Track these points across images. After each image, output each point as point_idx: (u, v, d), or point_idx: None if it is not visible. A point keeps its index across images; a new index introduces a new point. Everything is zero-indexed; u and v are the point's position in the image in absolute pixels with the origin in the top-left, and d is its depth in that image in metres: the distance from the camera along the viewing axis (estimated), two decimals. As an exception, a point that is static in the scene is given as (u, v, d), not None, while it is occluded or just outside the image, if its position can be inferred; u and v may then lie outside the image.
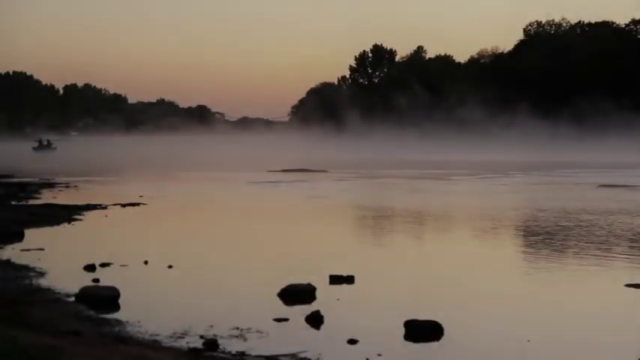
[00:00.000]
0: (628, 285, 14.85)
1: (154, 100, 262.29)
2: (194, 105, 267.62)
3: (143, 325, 11.68)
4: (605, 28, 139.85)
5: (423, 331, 11.28)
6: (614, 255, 18.85)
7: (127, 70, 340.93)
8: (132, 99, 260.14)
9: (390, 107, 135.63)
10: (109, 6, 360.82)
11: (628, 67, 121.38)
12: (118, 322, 11.95)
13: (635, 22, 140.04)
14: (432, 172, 57.99)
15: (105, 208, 29.19)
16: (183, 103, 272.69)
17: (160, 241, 21.36)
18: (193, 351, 10.38)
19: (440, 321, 11.46)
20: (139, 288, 14.57)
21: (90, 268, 16.40)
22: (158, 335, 11.17)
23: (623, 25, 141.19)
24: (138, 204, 30.75)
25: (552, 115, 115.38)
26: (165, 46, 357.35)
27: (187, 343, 10.79)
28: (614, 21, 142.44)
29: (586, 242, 20.84)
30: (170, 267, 16.60)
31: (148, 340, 10.93)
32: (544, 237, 22.02)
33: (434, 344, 10.97)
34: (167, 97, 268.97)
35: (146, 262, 17.10)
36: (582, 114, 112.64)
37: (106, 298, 13.27)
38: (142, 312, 12.49)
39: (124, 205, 30.16)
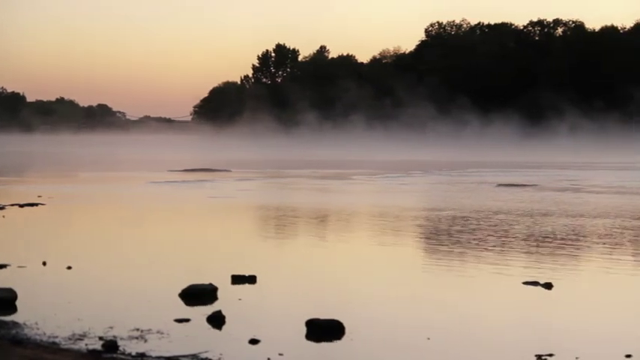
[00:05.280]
0: (525, 283, 15.12)
1: (54, 99, 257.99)
2: (95, 104, 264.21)
3: (41, 327, 11.47)
4: (504, 29, 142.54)
5: (324, 330, 11.31)
6: (510, 253, 19.21)
7: (25, 69, 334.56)
8: (30, 98, 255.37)
9: (292, 107, 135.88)
10: (7, 2, 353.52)
11: (527, 66, 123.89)
12: (15, 324, 11.70)
13: (533, 23, 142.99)
14: (334, 171, 58.29)
15: (1, 208, 28.58)
16: (83, 102, 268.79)
17: (59, 242, 21.02)
18: (92, 353, 10.23)
19: (341, 320, 11.51)
20: (37, 289, 14.30)
21: (-14, 269, 16.05)
22: (56, 337, 10.97)
23: (522, 27, 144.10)
24: (36, 204, 30.19)
25: (457, 114, 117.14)
26: (65, 45, 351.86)
27: (86, 344, 10.63)
28: (512, 22, 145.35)
29: (482, 240, 21.20)
30: (69, 268, 16.34)
31: (46, 342, 10.74)
32: (441, 236, 22.33)
33: (335, 343, 11.01)
34: (67, 96, 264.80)
35: (44, 263, 16.80)
36: (488, 114, 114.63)
37: (3, 300, 12.98)
38: (40, 314, 12.26)
39: (21, 206, 29.58)
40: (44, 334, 11.18)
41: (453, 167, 65.00)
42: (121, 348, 10.48)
